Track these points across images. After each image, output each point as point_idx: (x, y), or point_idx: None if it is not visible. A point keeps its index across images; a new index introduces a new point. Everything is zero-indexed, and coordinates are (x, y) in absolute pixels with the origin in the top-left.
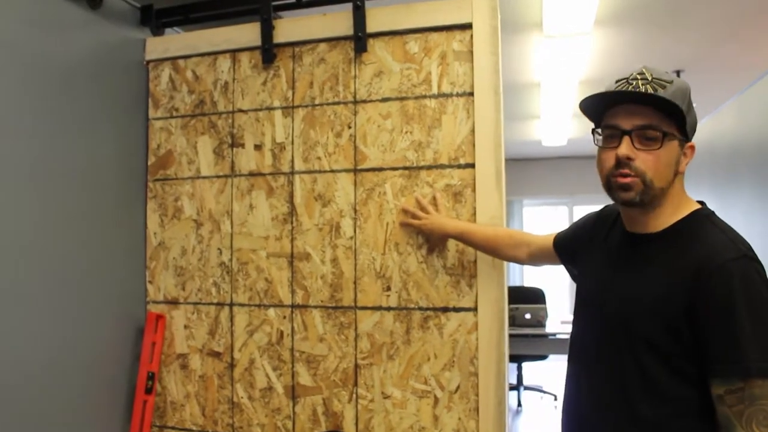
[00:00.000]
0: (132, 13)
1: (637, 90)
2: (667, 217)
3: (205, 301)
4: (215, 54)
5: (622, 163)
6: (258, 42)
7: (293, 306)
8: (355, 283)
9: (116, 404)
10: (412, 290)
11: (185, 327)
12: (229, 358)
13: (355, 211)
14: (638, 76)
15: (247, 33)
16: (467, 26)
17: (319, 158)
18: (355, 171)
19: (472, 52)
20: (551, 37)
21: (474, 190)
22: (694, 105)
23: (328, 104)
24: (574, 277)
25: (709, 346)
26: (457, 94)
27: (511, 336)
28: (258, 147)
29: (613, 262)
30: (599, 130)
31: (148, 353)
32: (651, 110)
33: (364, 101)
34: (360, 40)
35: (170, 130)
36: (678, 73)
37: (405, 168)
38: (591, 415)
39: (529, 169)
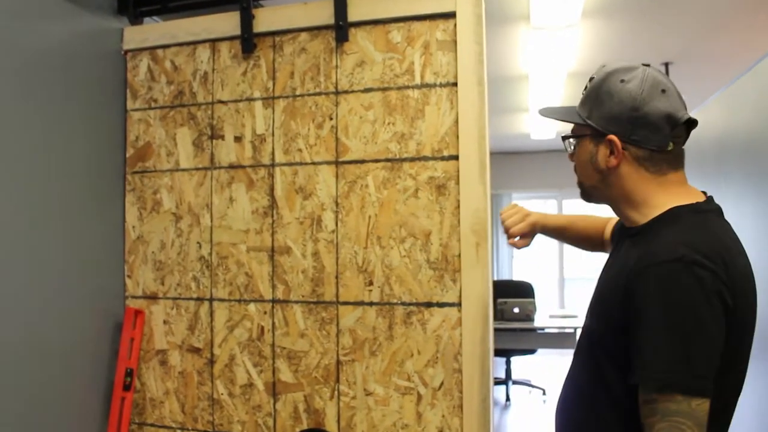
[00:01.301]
0: (109, 2)
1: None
2: (638, 215)
3: (185, 296)
4: (194, 44)
5: None
6: (238, 31)
7: (274, 301)
8: (336, 277)
9: (94, 401)
10: (394, 285)
11: (164, 322)
12: (209, 354)
13: (337, 204)
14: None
15: (227, 22)
16: (451, 15)
17: (300, 150)
18: (337, 163)
19: (455, 42)
20: (539, 29)
21: (458, 182)
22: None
23: (309, 95)
24: None
25: (630, 351)
26: (441, 85)
27: (499, 330)
28: (238, 139)
29: (610, 258)
30: None
31: (127, 349)
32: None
33: (346, 92)
34: (341, 29)
35: (149, 122)
36: (666, 65)
37: (387, 160)
38: (561, 408)
39: (517, 163)
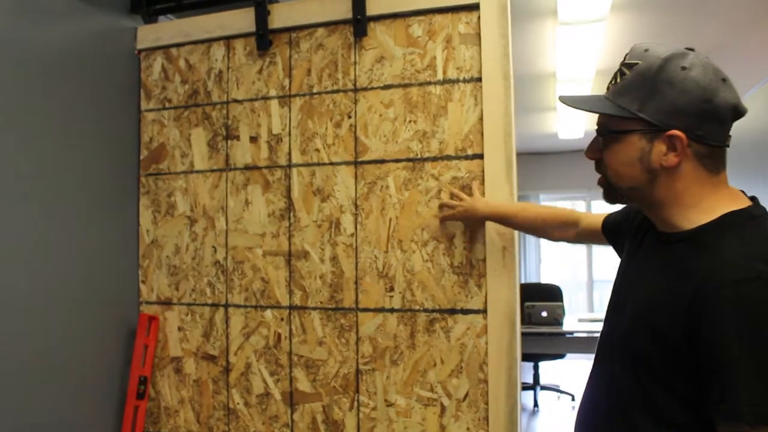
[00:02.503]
0: (122, 1)
1: (611, 81)
2: (683, 219)
3: (200, 302)
4: (209, 41)
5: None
6: (253, 28)
7: (291, 307)
8: (356, 283)
9: (106, 410)
10: (416, 291)
11: (179, 329)
12: (225, 362)
13: (356, 206)
14: (620, 65)
15: (242, 18)
16: (474, 7)
17: (317, 150)
18: (356, 163)
19: (479, 35)
20: (566, 25)
21: (483, 182)
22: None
23: (326, 92)
24: None
25: (709, 379)
26: (464, 80)
27: (527, 334)
28: (254, 139)
29: (640, 261)
30: None
31: (140, 356)
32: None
33: (365, 89)
34: (360, 23)
35: (163, 123)
36: None
37: (409, 160)
38: (587, 421)
39: (545, 163)
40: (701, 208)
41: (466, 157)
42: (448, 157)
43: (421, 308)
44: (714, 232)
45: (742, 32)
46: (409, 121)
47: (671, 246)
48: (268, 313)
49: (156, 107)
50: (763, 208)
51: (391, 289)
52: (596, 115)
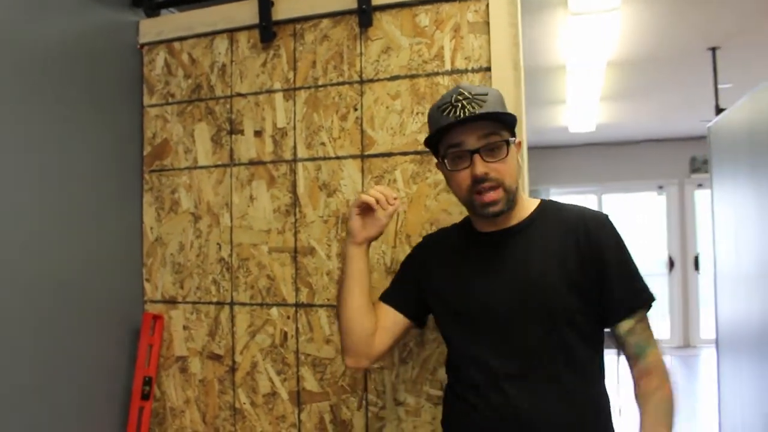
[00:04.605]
0: None
1: (464, 110)
2: (521, 209)
3: (205, 300)
4: (212, 35)
5: (479, 180)
6: (256, 20)
7: (297, 305)
8: None
9: (111, 411)
10: None
11: (184, 328)
12: (230, 361)
13: None
14: (459, 98)
15: (245, 10)
16: None
17: (323, 144)
18: (363, 157)
19: (488, 24)
20: (577, 15)
21: None
22: None
23: (332, 85)
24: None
25: (614, 289)
26: (473, 70)
27: None
28: (258, 133)
29: (484, 262)
30: (444, 157)
31: (145, 356)
32: (489, 124)
33: (371, 80)
34: (365, 13)
35: (166, 118)
36: (713, 50)
37: (417, 153)
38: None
39: (556, 157)
40: (524, 200)
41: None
42: None
43: None
44: (550, 209)
45: (754, 23)
46: (417, 113)
47: (516, 235)
48: (274, 310)
49: (159, 102)
50: None
51: None
52: (611, 108)
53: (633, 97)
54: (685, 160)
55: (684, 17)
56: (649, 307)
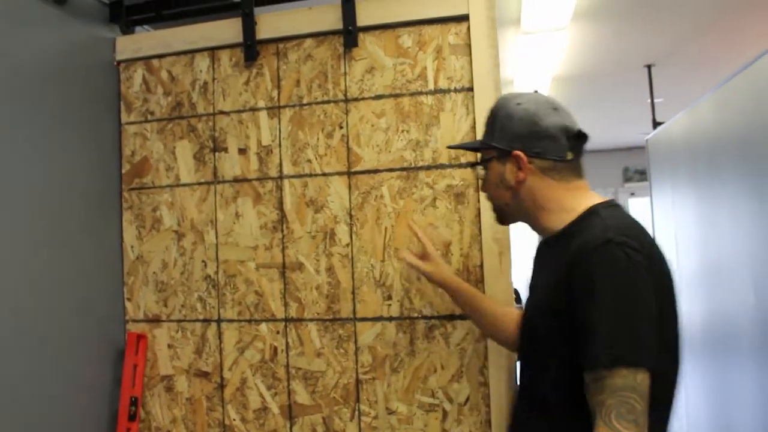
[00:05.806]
0: (100, 10)
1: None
2: (555, 221)
3: (190, 318)
4: (192, 52)
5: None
6: (239, 39)
7: (287, 320)
8: (353, 293)
9: None
10: (414, 298)
11: (169, 346)
12: (219, 378)
13: (351, 216)
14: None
15: (227, 29)
16: (463, 18)
17: (309, 161)
18: (349, 174)
19: (469, 45)
20: (528, 33)
21: (477, 190)
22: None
23: (317, 103)
24: None
25: (578, 334)
26: (456, 90)
27: None
28: (242, 151)
29: (536, 272)
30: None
31: (130, 377)
32: (479, 144)
33: (356, 99)
34: (350, 34)
35: (145, 135)
36: (649, 67)
37: (402, 169)
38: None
39: None
40: (566, 209)
41: (460, 166)
42: (442, 166)
43: (420, 315)
44: (580, 223)
45: (689, 41)
46: (402, 131)
47: (552, 247)
48: (263, 326)
49: (137, 120)
50: (618, 203)
51: (389, 297)
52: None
53: (574, 110)
54: (619, 170)
55: (624, 36)
56: (596, 371)
